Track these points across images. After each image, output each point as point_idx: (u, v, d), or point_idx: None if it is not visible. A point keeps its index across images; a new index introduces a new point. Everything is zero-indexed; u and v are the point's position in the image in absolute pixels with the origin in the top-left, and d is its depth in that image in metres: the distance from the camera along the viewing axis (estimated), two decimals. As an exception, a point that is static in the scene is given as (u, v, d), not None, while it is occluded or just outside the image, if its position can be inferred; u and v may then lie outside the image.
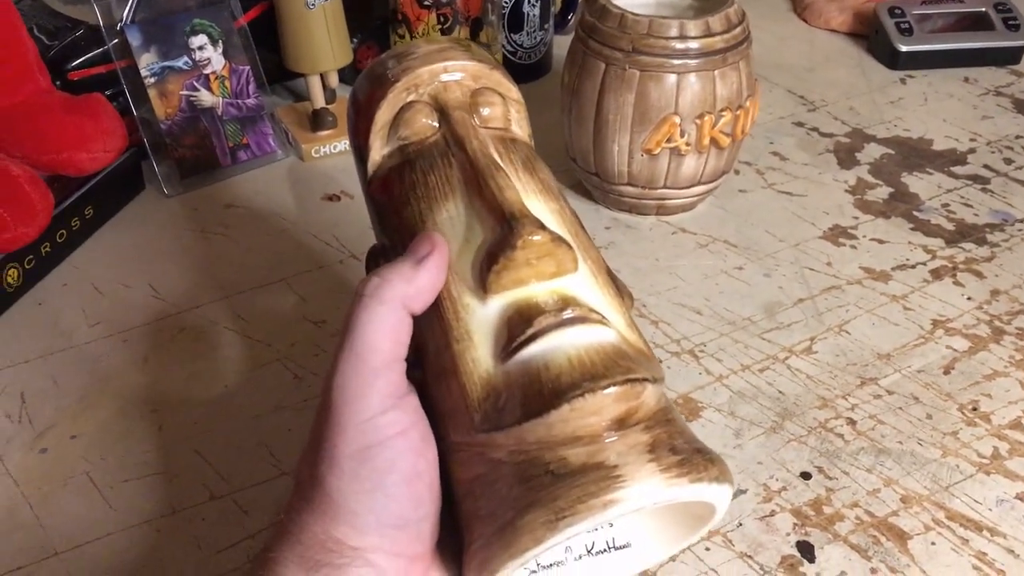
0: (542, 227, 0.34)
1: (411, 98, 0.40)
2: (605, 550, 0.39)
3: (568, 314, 0.34)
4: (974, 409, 0.54)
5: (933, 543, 0.46)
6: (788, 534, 0.46)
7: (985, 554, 0.46)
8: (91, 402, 0.54)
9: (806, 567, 0.45)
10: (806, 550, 0.46)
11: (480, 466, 0.33)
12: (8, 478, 0.49)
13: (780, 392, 0.55)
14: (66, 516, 0.47)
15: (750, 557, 0.45)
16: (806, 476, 0.50)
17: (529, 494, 0.31)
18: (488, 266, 0.34)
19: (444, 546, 0.36)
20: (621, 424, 0.33)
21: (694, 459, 0.33)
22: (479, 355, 0.34)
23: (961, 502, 0.48)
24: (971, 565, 0.45)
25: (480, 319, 0.35)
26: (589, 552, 0.39)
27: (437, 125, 0.40)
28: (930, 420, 0.53)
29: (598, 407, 0.32)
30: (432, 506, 0.34)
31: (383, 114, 0.40)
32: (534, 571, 0.37)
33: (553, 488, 0.31)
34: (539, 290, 0.35)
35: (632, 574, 0.39)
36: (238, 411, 0.53)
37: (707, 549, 0.46)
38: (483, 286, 0.35)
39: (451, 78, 0.41)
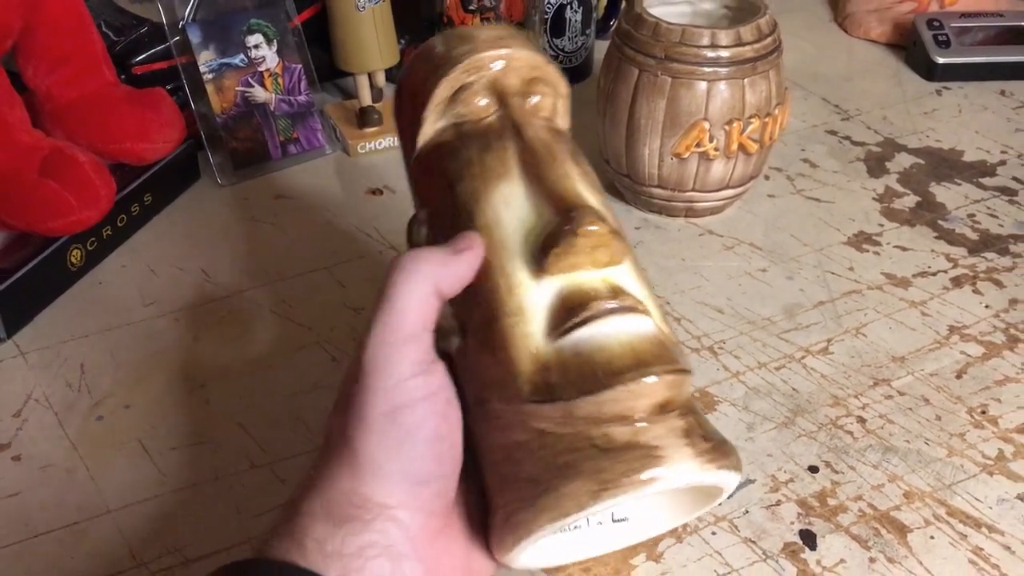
0: (601, 218, 0.37)
1: (471, 79, 0.42)
2: (601, 523, 0.42)
3: (619, 303, 0.37)
4: (983, 412, 0.55)
5: (932, 537, 0.48)
6: (792, 523, 0.49)
7: (982, 549, 0.47)
8: (145, 375, 0.58)
9: (807, 554, 0.47)
10: (808, 538, 0.48)
11: (522, 433, 0.36)
12: (67, 442, 0.53)
13: (794, 389, 0.57)
14: (119, 478, 0.51)
15: (754, 543, 0.48)
16: (813, 469, 0.52)
17: (575, 464, 0.35)
18: (548, 248, 0.37)
19: (461, 503, 0.39)
20: (662, 409, 0.36)
21: (721, 447, 0.36)
22: (530, 331, 0.37)
23: (963, 500, 0.50)
24: (967, 559, 0.47)
25: (533, 297, 0.37)
26: (587, 522, 0.42)
27: (494, 108, 0.42)
28: (939, 421, 0.55)
29: (647, 392, 0.35)
30: (453, 465, 0.37)
31: (442, 91, 0.42)
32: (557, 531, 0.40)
33: (598, 461, 0.34)
34: (591, 277, 0.38)
35: (630, 543, 0.42)
36: (279, 388, 0.57)
37: (713, 534, 0.48)
38: (540, 267, 0.37)
39: (509, 65, 0.43)
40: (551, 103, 0.44)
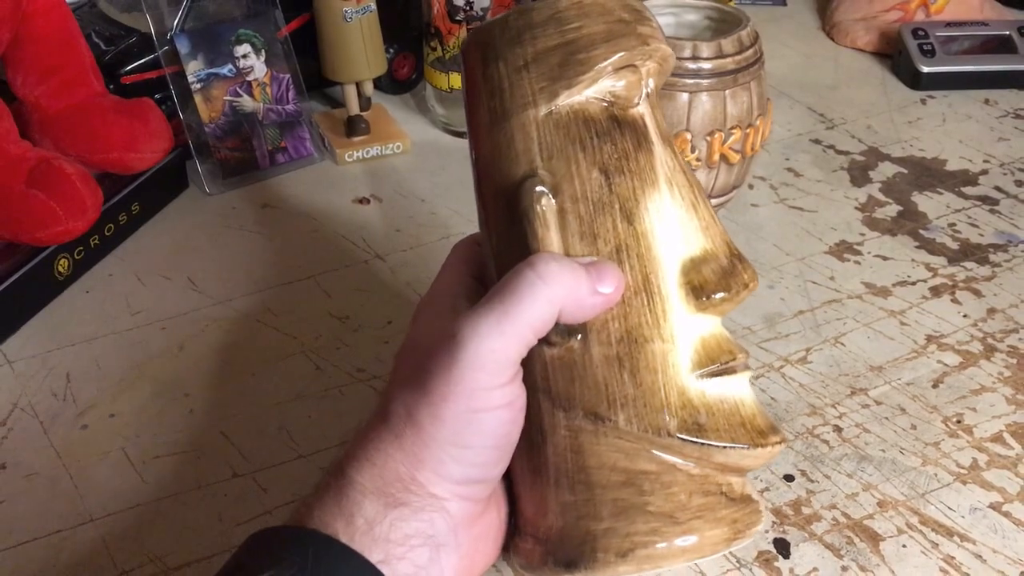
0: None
1: (640, 64, 0.39)
2: None
3: (749, 360, 0.39)
4: (958, 422, 0.56)
5: (904, 545, 0.49)
6: (766, 531, 0.49)
7: (953, 558, 0.48)
8: (129, 384, 0.59)
9: (780, 563, 0.48)
10: (782, 547, 0.49)
11: (651, 463, 0.37)
12: (52, 450, 0.54)
13: (772, 399, 0.58)
14: (102, 487, 0.52)
15: (728, 551, 0.48)
16: (789, 478, 0.52)
17: (712, 509, 0.37)
18: (716, 290, 0.38)
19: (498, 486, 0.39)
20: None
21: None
22: (679, 362, 0.37)
23: (936, 508, 0.51)
24: (938, 568, 0.48)
25: (684, 327, 0.37)
26: None
27: (639, 101, 0.39)
28: (914, 430, 0.55)
29: (770, 456, 0.38)
30: (505, 464, 0.37)
31: (616, 61, 0.38)
32: None
33: (730, 510, 0.37)
34: (719, 324, 0.39)
35: None
36: (263, 397, 0.58)
37: (689, 542, 0.49)
38: (700, 302, 0.37)
39: (666, 66, 0.41)
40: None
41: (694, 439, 0.36)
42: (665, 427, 0.36)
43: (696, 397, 0.37)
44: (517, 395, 0.36)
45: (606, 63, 0.38)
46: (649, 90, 0.40)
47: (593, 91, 0.38)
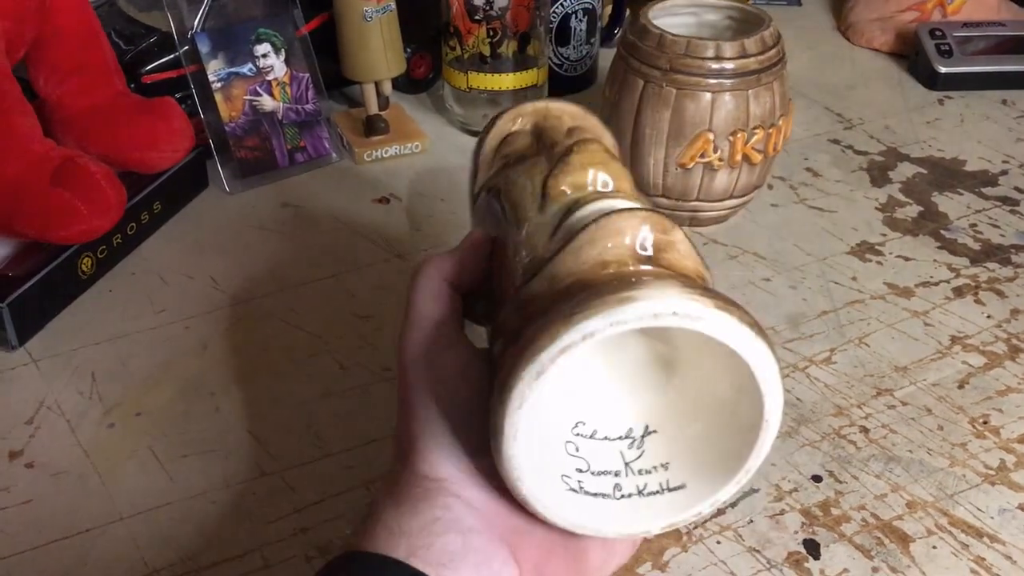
0: (597, 140, 0.40)
1: (515, 127, 0.47)
2: (657, 491, 0.37)
3: (608, 188, 0.38)
4: (984, 422, 0.56)
5: (934, 547, 0.49)
6: (796, 532, 0.49)
7: (983, 559, 0.48)
8: (155, 383, 0.59)
9: (811, 563, 0.48)
10: (812, 548, 0.49)
11: (518, 322, 0.35)
12: (79, 449, 0.54)
13: (798, 399, 0.58)
14: (130, 486, 0.52)
15: (758, 552, 0.48)
16: (817, 479, 0.52)
17: (553, 309, 0.32)
18: (548, 176, 0.39)
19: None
20: (651, 260, 0.34)
21: (726, 298, 0.32)
22: (535, 243, 0.38)
23: (964, 510, 0.51)
24: (969, 569, 0.48)
25: (539, 223, 0.38)
26: (640, 493, 0.37)
27: (534, 143, 0.46)
28: (941, 431, 0.55)
29: (623, 227, 0.33)
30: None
31: (491, 141, 0.47)
32: (574, 490, 0.36)
33: (574, 298, 0.32)
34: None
35: (679, 522, 0.37)
36: (288, 396, 0.58)
37: (718, 543, 0.49)
38: (544, 198, 0.39)
39: (552, 112, 0.47)
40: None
41: (530, 278, 0.36)
42: (514, 285, 0.38)
43: (545, 246, 0.38)
44: (467, 361, 0.38)
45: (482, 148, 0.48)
46: (543, 130, 0.47)
47: (494, 168, 0.48)
